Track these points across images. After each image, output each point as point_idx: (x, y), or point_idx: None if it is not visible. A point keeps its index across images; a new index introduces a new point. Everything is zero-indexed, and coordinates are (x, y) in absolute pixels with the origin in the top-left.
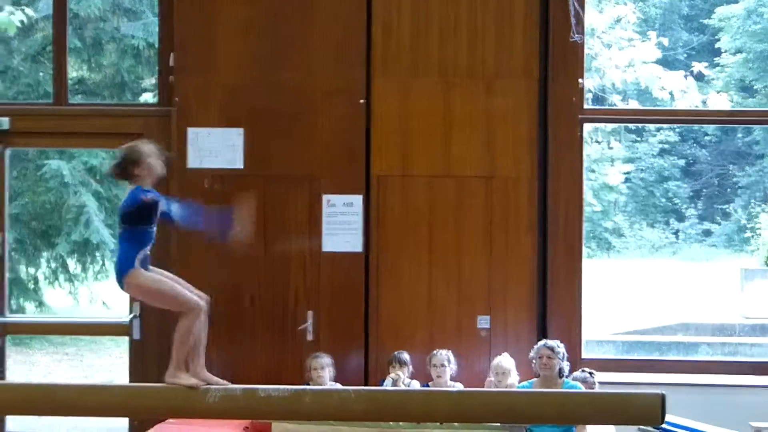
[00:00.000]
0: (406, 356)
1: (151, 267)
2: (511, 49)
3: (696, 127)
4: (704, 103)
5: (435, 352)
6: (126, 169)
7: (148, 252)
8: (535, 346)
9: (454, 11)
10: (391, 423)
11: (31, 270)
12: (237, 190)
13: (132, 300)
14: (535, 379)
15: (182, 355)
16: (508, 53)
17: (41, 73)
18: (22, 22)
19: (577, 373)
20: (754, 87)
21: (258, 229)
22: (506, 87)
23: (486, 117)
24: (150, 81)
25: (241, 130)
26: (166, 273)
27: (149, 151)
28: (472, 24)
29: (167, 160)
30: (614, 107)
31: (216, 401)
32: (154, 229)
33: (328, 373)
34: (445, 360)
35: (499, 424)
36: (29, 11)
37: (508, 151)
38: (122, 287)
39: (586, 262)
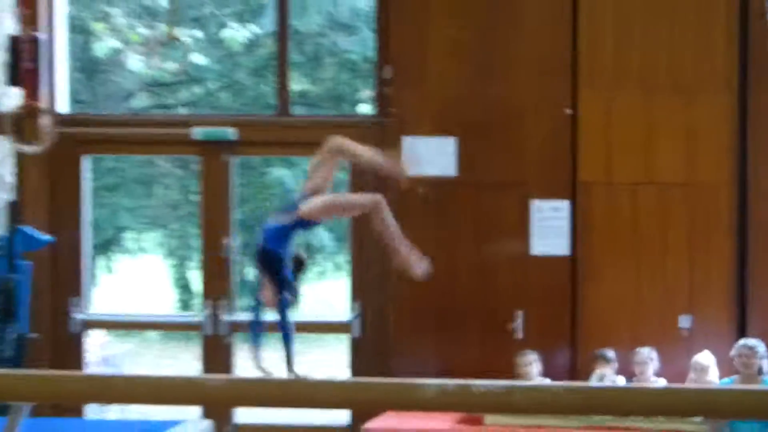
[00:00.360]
0: (611, 353)
1: None
2: (711, 61)
3: None
4: None
5: (638, 349)
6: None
7: None
8: (736, 345)
9: (655, 25)
10: (596, 417)
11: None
12: (450, 197)
13: (353, 300)
14: (736, 376)
15: (401, 242)
16: (709, 66)
17: (265, 87)
18: (247, 38)
19: None
20: None
21: (470, 233)
22: (706, 99)
23: (686, 127)
24: (366, 93)
25: (453, 140)
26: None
27: None
28: (673, 38)
29: None
30: None
31: (432, 395)
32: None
33: (535, 368)
34: (648, 357)
35: (700, 419)
36: (254, 28)
37: (708, 159)
38: (299, 218)
39: None
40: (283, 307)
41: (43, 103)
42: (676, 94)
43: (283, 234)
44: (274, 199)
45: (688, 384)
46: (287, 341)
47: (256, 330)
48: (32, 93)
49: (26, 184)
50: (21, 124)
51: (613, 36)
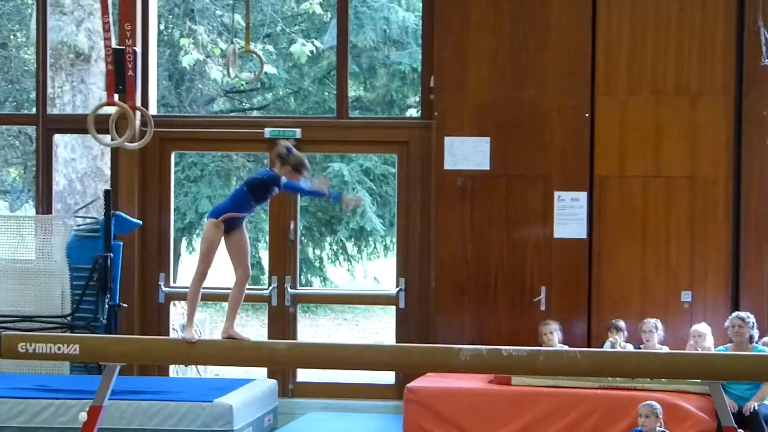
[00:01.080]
0: (622, 323)
1: (240, 228)
2: (712, 70)
3: None
4: None
5: (645, 320)
6: (287, 161)
7: (243, 216)
8: (730, 317)
9: (665, 38)
10: (609, 378)
11: (317, 251)
12: (484, 188)
13: (399, 276)
14: (730, 344)
15: (191, 314)
16: (710, 73)
17: (326, 93)
18: (311, 51)
19: (766, 339)
20: None
21: (501, 218)
22: (707, 102)
23: (690, 127)
24: (414, 99)
25: (488, 139)
26: (243, 239)
27: (305, 174)
28: (679, 49)
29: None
30: None
31: (467, 359)
32: (258, 207)
33: (556, 336)
34: (654, 327)
35: (699, 380)
36: (317, 43)
37: (708, 156)
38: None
39: None
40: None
41: (138, 106)
42: (681, 97)
43: None
44: (333, 189)
45: (689, 350)
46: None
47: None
48: (130, 98)
49: (121, 176)
50: (119, 124)
51: (626, 49)
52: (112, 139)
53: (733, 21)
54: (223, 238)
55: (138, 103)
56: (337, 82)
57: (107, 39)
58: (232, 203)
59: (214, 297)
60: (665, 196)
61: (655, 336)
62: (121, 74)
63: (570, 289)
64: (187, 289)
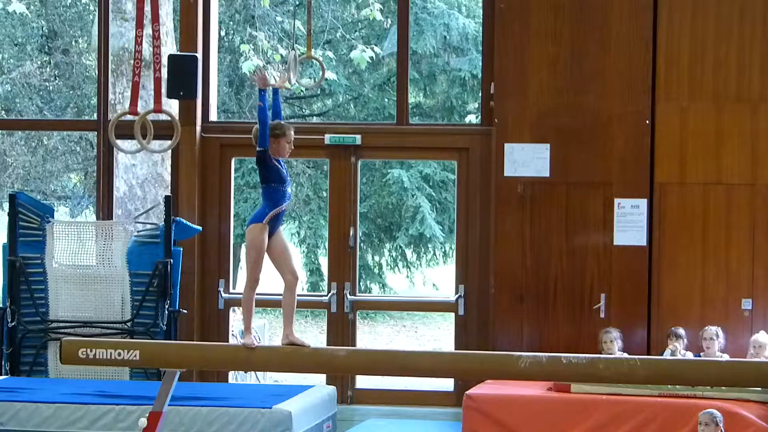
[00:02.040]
0: (681, 331)
1: (279, 233)
2: None
3: None
4: None
5: (706, 327)
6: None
7: (284, 209)
8: None
9: (726, 45)
10: (669, 386)
11: (376, 258)
12: (544, 195)
13: (458, 283)
14: None
15: (248, 320)
16: None
17: (386, 99)
18: (371, 58)
19: None
20: None
21: (561, 225)
22: None
23: (751, 134)
24: (474, 105)
25: (548, 145)
26: (283, 243)
27: (290, 135)
28: (740, 56)
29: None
30: None
31: (527, 366)
32: (287, 189)
33: (617, 345)
34: (714, 335)
35: (760, 389)
36: (377, 49)
37: None
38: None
39: None
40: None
41: (165, 110)
42: (742, 104)
43: None
44: (392, 196)
45: (749, 359)
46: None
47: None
48: (188, 104)
49: (181, 182)
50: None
51: (687, 55)
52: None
53: None
54: None
55: (197, 108)
56: (397, 88)
57: (138, 51)
58: (266, 202)
59: (273, 303)
60: (725, 203)
61: (716, 344)
62: (179, 80)
63: (630, 297)
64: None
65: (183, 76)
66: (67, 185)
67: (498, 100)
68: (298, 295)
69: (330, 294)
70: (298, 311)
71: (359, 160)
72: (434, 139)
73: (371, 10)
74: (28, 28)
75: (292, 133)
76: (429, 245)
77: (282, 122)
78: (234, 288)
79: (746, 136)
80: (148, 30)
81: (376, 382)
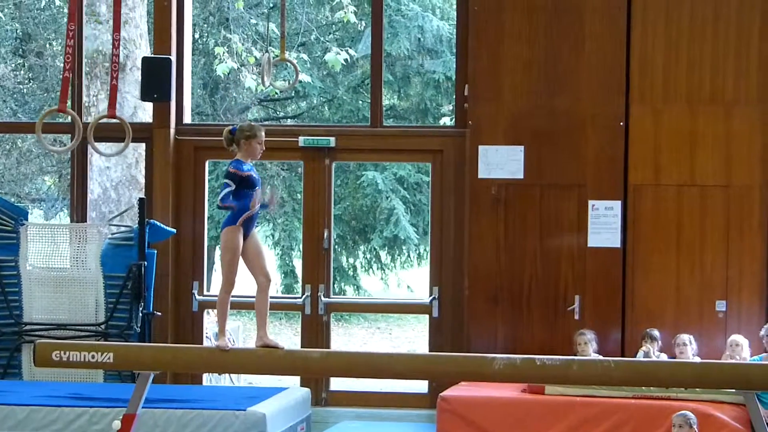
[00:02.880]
0: (656, 333)
1: (254, 235)
2: (747, 79)
3: None
4: None
5: (678, 335)
6: (236, 139)
7: (257, 211)
8: (764, 326)
9: (700, 47)
10: (643, 388)
11: (351, 260)
12: (518, 197)
13: (432, 285)
14: (764, 354)
15: (223, 323)
16: (745, 82)
17: (360, 102)
18: (345, 60)
19: None
20: None
21: (535, 227)
22: (742, 111)
23: (725, 136)
24: (448, 107)
25: (522, 147)
26: (258, 245)
27: (261, 137)
28: (714, 58)
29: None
30: None
31: (501, 368)
32: (259, 191)
33: (591, 346)
34: (687, 341)
35: (734, 390)
36: (351, 52)
37: (743, 165)
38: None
39: None
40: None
41: (117, 115)
42: (716, 106)
43: None
44: (366, 198)
45: (724, 360)
46: None
47: None
48: (162, 106)
49: (155, 184)
50: (152, 133)
51: (661, 57)
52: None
53: None
54: None
55: (171, 110)
56: (371, 90)
57: (116, 55)
58: (238, 205)
59: (248, 305)
60: (700, 205)
61: (689, 350)
62: (153, 82)
63: (604, 299)
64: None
65: (157, 79)
66: (41, 188)
67: (472, 102)
68: (272, 297)
69: (304, 296)
70: (272, 313)
71: (333, 163)
72: (408, 141)
73: (345, 13)
74: (2, 31)
75: (263, 134)
76: (403, 247)
77: (252, 123)
78: (208, 290)
79: (720, 138)
80: (121, 33)
81: (350, 384)
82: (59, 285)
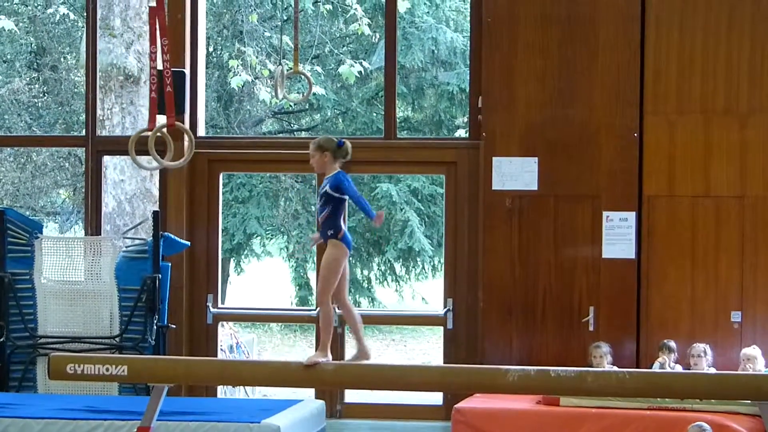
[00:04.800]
0: (673, 344)
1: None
2: (761, 89)
3: None
4: None
5: (694, 345)
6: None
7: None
8: None
9: (714, 58)
10: (658, 399)
11: (365, 272)
12: (532, 208)
13: (447, 297)
14: None
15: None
16: (759, 93)
17: (374, 114)
18: (359, 72)
19: None
20: None
21: (550, 239)
22: (757, 121)
23: (739, 146)
24: (462, 119)
25: (536, 159)
26: (347, 271)
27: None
28: (728, 68)
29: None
30: None
31: (515, 380)
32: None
33: (606, 359)
34: (702, 351)
35: (749, 401)
36: (365, 64)
37: (758, 175)
38: (326, 243)
39: None
40: None
41: (178, 124)
42: (730, 117)
43: None
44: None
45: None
46: None
47: None
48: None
49: (169, 197)
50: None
51: (675, 68)
52: (159, 160)
53: None
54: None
55: (186, 123)
56: (385, 102)
57: (153, 68)
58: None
59: (263, 318)
60: (714, 216)
61: (704, 361)
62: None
63: (619, 310)
64: (236, 311)
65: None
66: (56, 201)
67: (486, 113)
68: (286, 310)
69: (318, 309)
70: (286, 326)
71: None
72: (422, 153)
73: (359, 25)
74: (17, 45)
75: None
76: (418, 259)
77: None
78: (223, 303)
79: (734, 149)
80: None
81: (365, 396)
82: (74, 298)
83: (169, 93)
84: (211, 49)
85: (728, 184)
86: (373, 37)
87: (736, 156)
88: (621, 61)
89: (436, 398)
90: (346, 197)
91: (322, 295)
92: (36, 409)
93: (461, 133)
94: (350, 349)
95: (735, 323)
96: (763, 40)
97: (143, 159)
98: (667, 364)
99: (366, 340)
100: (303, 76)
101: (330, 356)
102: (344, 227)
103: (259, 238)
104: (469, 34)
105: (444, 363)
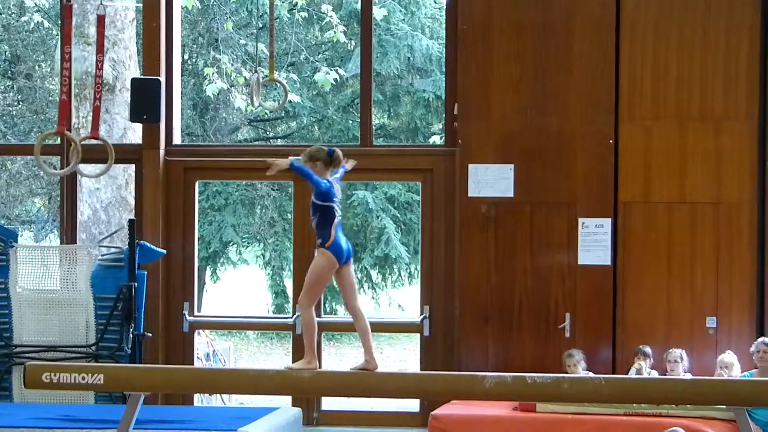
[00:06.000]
0: (649, 350)
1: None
2: (736, 95)
3: None
4: None
5: (670, 350)
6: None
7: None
8: (755, 342)
9: (689, 64)
10: (634, 404)
11: None
12: (508, 215)
13: (423, 304)
14: (755, 370)
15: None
16: (734, 99)
17: (350, 121)
18: (335, 80)
19: None
20: None
21: (526, 245)
22: (732, 128)
23: (714, 153)
24: (438, 126)
25: (512, 166)
26: (351, 279)
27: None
28: (703, 75)
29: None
30: None
31: (491, 386)
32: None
33: (581, 366)
34: (679, 357)
35: (725, 406)
36: (341, 71)
37: (733, 181)
38: (316, 251)
39: None
40: None
41: (100, 136)
42: (706, 123)
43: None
44: (357, 217)
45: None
46: None
47: None
48: (151, 127)
49: (145, 205)
50: (141, 154)
51: (650, 75)
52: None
53: (757, 46)
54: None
55: (161, 131)
56: (360, 110)
57: (99, 76)
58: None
59: (239, 326)
60: (690, 222)
61: (680, 366)
62: (143, 103)
63: (595, 316)
64: (212, 319)
65: (146, 100)
66: (31, 210)
67: (462, 121)
68: (262, 317)
69: (295, 316)
70: (262, 333)
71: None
72: (398, 161)
73: (335, 33)
74: None
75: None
76: (394, 266)
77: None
78: (199, 311)
79: (710, 155)
80: (110, 54)
81: (341, 404)
82: (49, 307)
83: (97, 107)
84: (186, 57)
85: (703, 190)
86: (349, 45)
87: (712, 162)
88: (596, 68)
89: (412, 405)
90: (333, 204)
91: (303, 299)
92: (12, 419)
93: (437, 140)
94: (326, 357)
95: (710, 329)
96: (737, 47)
97: (87, 167)
98: (643, 369)
99: (374, 351)
100: (279, 84)
101: (316, 362)
102: (334, 236)
103: (235, 246)
104: (444, 42)
105: (421, 370)
